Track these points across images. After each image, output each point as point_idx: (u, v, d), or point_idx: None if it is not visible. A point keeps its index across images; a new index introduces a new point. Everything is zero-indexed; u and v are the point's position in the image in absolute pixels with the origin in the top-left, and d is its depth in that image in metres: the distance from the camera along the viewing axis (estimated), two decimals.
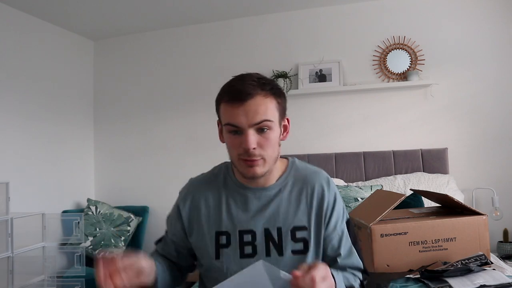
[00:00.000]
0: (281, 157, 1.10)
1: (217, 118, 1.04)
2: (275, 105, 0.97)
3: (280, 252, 1.00)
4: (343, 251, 1.03)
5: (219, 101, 0.99)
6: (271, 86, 0.98)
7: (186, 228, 1.08)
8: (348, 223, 1.07)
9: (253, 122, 0.93)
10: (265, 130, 0.95)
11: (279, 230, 1.01)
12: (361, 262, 1.05)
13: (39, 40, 3.17)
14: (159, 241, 1.19)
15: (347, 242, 1.05)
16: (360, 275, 1.07)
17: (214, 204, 1.06)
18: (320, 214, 1.03)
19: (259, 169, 0.96)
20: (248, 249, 1.01)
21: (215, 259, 1.03)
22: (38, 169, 3.09)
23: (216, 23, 3.44)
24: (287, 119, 1.05)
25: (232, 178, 1.07)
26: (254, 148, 0.93)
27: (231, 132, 0.96)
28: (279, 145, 1.02)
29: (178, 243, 1.11)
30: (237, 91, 0.94)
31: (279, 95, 0.99)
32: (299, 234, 1.01)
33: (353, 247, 1.05)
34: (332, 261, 1.03)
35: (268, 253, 1.00)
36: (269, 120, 0.95)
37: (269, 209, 1.02)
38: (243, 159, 0.95)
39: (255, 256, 1.01)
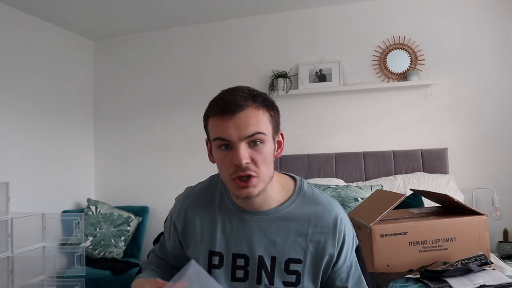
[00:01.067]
0: (287, 174, 1.04)
1: (206, 137, 0.97)
2: (268, 117, 0.90)
3: (271, 282, 0.96)
4: (351, 282, 0.98)
5: (207, 116, 0.92)
6: (263, 98, 0.91)
7: (182, 242, 1.05)
8: (357, 249, 1.01)
9: (245, 135, 0.86)
10: (258, 143, 0.88)
11: (273, 259, 0.96)
12: None
13: (39, 40, 3.17)
14: (156, 241, 1.18)
15: (356, 271, 0.99)
16: None
17: (208, 222, 1.00)
18: (320, 255, 0.96)
19: (254, 190, 0.88)
20: (240, 273, 0.97)
21: None
22: (38, 169, 3.09)
23: (216, 23, 3.44)
24: (281, 134, 0.97)
25: (229, 198, 1.00)
26: (247, 163, 0.86)
27: (221, 147, 0.89)
28: (273, 162, 0.94)
29: (175, 253, 1.10)
30: (227, 103, 0.87)
31: (272, 108, 0.92)
32: (293, 267, 0.95)
33: (362, 276, 0.99)
34: None
35: (259, 281, 0.96)
36: (262, 133, 0.87)
37: (266, 236, 0.96)
38: (235, 178, 0.88)
39: (246, 281, 0.97)
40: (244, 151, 0.86)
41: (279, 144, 0.97)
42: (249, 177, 0.87)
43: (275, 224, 0.96)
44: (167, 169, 3.51)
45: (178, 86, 3.52)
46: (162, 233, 1.17)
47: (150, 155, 3.57)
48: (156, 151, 3.55)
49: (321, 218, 0.96)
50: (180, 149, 3.49)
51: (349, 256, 0.98)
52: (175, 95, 3.53)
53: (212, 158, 0.96)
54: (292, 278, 0.96)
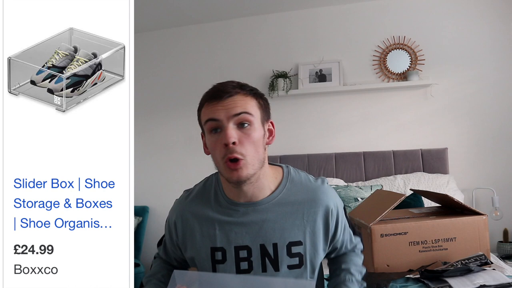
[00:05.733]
0: (275, 164, 1.08)
1: (201, 131, 1.03)
2: (256, 103, 0.97)
3: (276, 268, 1.00)
4: (346, 237, 1.10)
5: (200, 107, 0.99)
6: (251, 88, 0.98)
7: (180, 244, 1.07)
8: (344, 210, 1.11)
9: (232, 113, 0.92)
10: (246, 125, 0.93)
11: (275, 246, 1.00)
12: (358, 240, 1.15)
13: None
14: (160, 243, 1.18)
15: (348, 229, 1.11)
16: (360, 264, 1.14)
17: (206, 220, 1.03)
18: (318, 231, 1.02)
19: (243, 172, 0.92)
20: (244, 265, 1.01)
21: None
22: None
23: (216, 23, 3.44)
24: (272, 122, 1.03)
25: (223, 195, 1.03)
26: (234, 143, 0.90)
27: (212, 131, 0.95)
28: (265, 149, 0.98)
29: (177, 255, 1.12)
30: (216, 90, 0.95)
31: (260, 97, 0.99)
32: (295, 249, 1.00)
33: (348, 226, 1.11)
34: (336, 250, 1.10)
35: (264, 269, 1.00)
36: (248, 113, 0.93)
37: (264, 225, 1.00)
38: (227, 160, 0.92)
39: (251, 271, 1.00)
40: (231, 131, 0.91)
41: (270, 132, 1.02)
42: (237, 160, 0.91)
43: (271, 212, 1.01)
44: (167, 169, 3.51)
45: (178, 86, 3.52)
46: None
47: (150, 154, 3.56)
48: (156, 151, 3.55)
49: (312, 198, 1.02)
50: (180, 149, 3.49)
51: (343, 223, 1.09)
52: (175, 95, 3.53)
53: (206, 150, 1.01)
54: (296, 261, 1.01)
